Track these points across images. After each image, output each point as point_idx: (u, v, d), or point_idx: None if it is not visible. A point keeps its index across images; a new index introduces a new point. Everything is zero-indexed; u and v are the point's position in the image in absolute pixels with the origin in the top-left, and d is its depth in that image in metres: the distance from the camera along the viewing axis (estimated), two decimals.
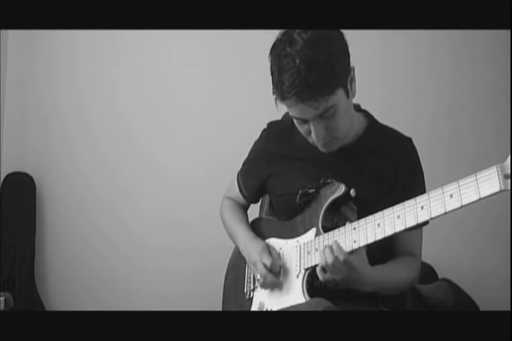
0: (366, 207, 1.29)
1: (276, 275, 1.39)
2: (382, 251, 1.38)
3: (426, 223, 1.38)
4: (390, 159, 1.42)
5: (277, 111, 1.62)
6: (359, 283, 1.27)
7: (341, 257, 1.22)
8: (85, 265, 2.71)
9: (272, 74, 1.31)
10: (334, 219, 1.37)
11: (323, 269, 1.26)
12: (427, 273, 2.27)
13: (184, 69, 2.70)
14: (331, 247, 1.24)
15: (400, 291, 1.42)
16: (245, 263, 1.52)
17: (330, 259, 1.23)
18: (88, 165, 2.72)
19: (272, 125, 1.59)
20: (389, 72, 2.55)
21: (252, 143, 1.62)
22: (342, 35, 1.32)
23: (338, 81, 1.27)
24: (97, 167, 2.72)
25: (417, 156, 1.46)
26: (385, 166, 1.41)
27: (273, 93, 1.31)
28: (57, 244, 2.74)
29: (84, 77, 2.74)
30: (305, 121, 1.32)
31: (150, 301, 2.61)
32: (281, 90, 1.26)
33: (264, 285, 1.41)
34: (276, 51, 1.29)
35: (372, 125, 1.48)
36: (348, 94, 1.32)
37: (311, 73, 1.22)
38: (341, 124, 1.32)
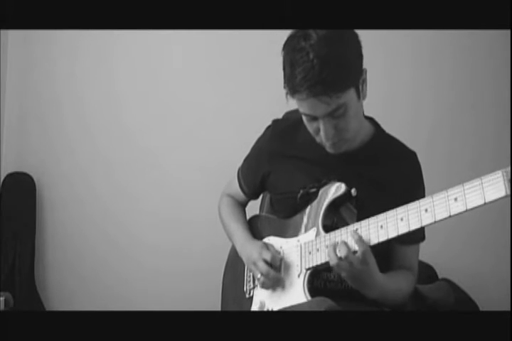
0: (366, 211, 1.28)
1: (278, 270, 1.38)
2: (380, 263, 1.37)
3: (423, 239, 1.42)
4: (391, 170, 1.41)
5: (279, 111, 1.63)
6: (367, 286, 1.27)
7: (362, 248, 1.21)
8: (85, 265, 2.71)
9: (283, 68, 1.30)
10: (334, 219, 1.37)
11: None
12: (427, 273, 2.27)
13: (185, 70, 2.70)
14: (345, 243, 1.23)
15: (393, 304, 1.40)
16: (243, 261, 1.52)
17: (344, 253, 1.21)
18: (88, 165, 2.72)
19: (276, 123, 1.58)
20: (389, 72, 2.55)
21: (253, 142, 1.62)
22: (357, 35, 1.31)
23: (350, 80, 1.26)
24: (97, 167, 2.72)
25: (420, 170, 1.46)
26: (387, 175, 1.40)
27: (284, 87, 1.30)
28: (57, 244, 2.74)
29: (85, 77, 2.74)
30: (314, 119, 1.31)
31: (150, 301, 2.61)
32: (293, 84, 1.25)
33: (266, 284, 1.39)
34: (290, 45, 1.28)
35: (379, 134, 1.47)
36: (359, 95, 1.31)
37: (325, 68, 1.21)
38: (351, 125, 1.32)
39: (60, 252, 2.73)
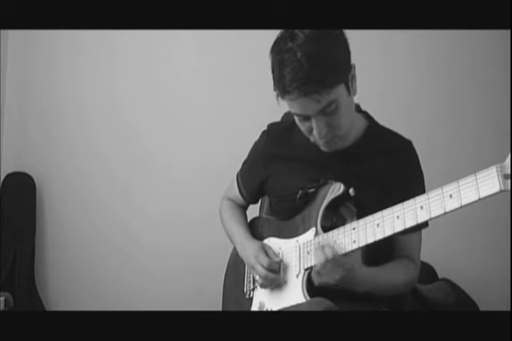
0: (365, 209, 1.28)
1: (276, 273, 1.39)
2: (381, 253, 1.38)
3: (426, 225, 1.38)
4: (389, 161, 1.41)
5: (278, 111, 1.63)
6: (352, 283, 1.27)
7: (333, 257, 1.21)
8: (85, 265, 2.71)
9: (272, 70, 1.31)
10: (333, 219, 1.37)
11: (319, 272, 1.26)
12: (427, 273, 2.26)
13: (184, 70, 2.70)
14: (322, 248, 1.24)
15: (398, 293, 1.41)
16: (244, 263, 1.52)
17: (322, 259, 1.22)
18: (88, 165, 2.72)
19: (272, 126, 1.59)
20: (389, 71, 2.55)
21: (253, 144, 1.62)
22: (342, 32, 1.32)
23: (339, 76, 1.27)
24: (97, 167, 2.72)
25: (417, 158, 1.46)
26: (385, 168, 1.40)
27: (274, 89, 1.31)
28: (57, 244, 2.74)
29: (84, 77, 2.74)
30: (306, 119, 1.32)
31: (150, 301, 2.61)
32: (283, 84, 1.26)
33: (265, 285, 1.41)
34: (278, 47, 1.29)
35: (373, 127, 1.48)
36: (349, 90, 1.32)
37: (313, 66, 1.22)
38: (343, 121, 1.32)
39: (60, 252, 2.73)
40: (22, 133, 2.79)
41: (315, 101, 1.25)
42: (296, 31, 1.27)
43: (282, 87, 1.27)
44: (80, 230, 2.72)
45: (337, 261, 1.22)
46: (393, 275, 1.37)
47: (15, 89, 2.78)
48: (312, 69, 1.22)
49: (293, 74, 1.23)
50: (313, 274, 1.27)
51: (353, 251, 1.24)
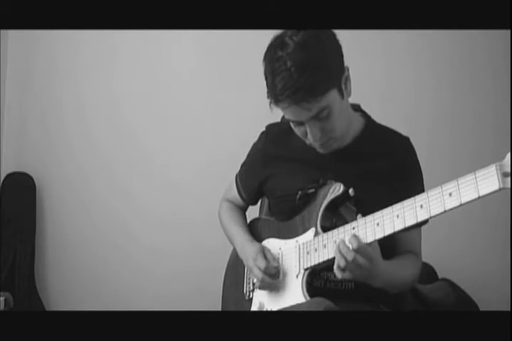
0: (365, 208, 1.28)
1: (273, 277, 1.38)
2: (383, 250, 1.38)
3: (425, 222, 1.38)
4: (387, 159, 1.41)
5: (277, 112, 1.63)
6: (372, 277, 1.25)
7: (358, 248, 1.18)
8: (85, 265, 2.71)
9: (265, 78, 1.32)
10: (333, 219, 1.37)
11: (340, 267, 1.22)
12: (427, 273, 2.27)
13: (184, 70, 2.70)
14: (346, 243, 1.21)
15: (402, 289, 1.42)
16: (244, 264, 1.52)
17: (350, 257, 1.19)
18: (88, 165, 2.72)
19: (270, 127, 1.59)
20: (389, 71, 2.55)
21: (252, 145, 1.62)
22: (334, 35, 1.32)
23: (330, 82, 1.27)
24: (97, 167, 2.72)
25: (415, 155, 1.46)
26: (383, 166, 1.40)
27: (267, 97, 1.32)
28: (57, 244, 2.74)
29: (85, 77, 2.74)
30: (300, 123, 1.33)
31: (150, 301, 2.61)
32: (275, 93, 1.28)
33: (262, 287, 1.41)
34: (269, 55, 1.31)
35: (369, 125, 1.48)
36: (343, 94, 1.32)
37: (302, 75, 1.23)
38: (337, 125, 1.33)
39: (60, 252, 2.73)
40: (22, 133, 2.78)
41: (306, 110, 1.27)
42: (286, 39, 1.28)
43: (275, 96, 1.28)
44: (80, 230, 2.72)
45: (364, 250, 1.19)
46: (404, 268, 1.37)
47: (15, 89, 2.78)
48: (302, 77, 1.23)
49: (284, 83, 1.25)
50: (336, 270, 1.23)
51: (373, 243, 1.21)
